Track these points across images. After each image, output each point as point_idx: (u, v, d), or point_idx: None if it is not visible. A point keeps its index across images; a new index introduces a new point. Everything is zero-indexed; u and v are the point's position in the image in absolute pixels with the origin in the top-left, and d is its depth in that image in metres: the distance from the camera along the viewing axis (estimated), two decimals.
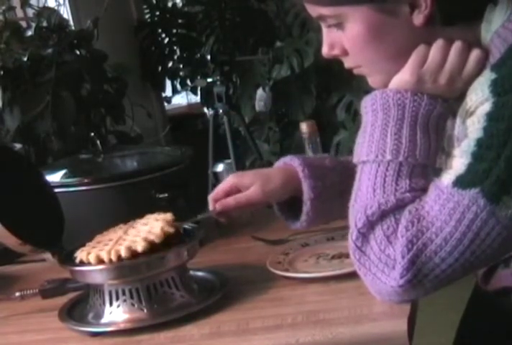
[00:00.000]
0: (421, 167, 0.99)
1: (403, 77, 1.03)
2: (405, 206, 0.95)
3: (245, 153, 3.37)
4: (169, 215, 1.24)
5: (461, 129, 1.00)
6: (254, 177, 1.26)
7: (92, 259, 1.15)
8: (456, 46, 1.02)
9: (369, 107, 1.05)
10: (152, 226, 1.21)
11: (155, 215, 1.25)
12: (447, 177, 0.95)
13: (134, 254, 1.14)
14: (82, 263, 1.17)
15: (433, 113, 1.01)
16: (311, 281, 1.22)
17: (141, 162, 1.71)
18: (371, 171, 1.00)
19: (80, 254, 1.18)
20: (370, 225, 0.96)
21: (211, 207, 1.27)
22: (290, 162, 1.27)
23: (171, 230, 1.19)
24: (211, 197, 1.27)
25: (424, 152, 1.00)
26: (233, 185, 1.26)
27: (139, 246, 1.15)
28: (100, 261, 1.15)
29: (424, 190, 0.97)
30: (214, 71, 2.99)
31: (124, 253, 1.14)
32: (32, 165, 1.49)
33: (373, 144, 1.04)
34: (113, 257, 1.14)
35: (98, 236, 1.25)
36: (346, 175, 1.20)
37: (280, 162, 1.30)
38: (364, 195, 0.99)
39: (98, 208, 1.50)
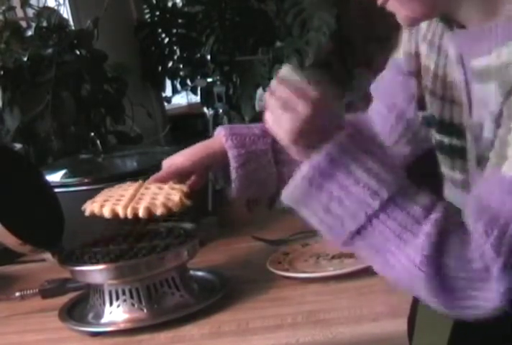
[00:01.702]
0: (406, 187, 0.91)
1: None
2: (446, 223, 0.88)
3: None
4: (184, 187, 1.22)
5: (508, 105, 0.92)
6: (182, 153, 1.29)
7: (107, 212, 1.14)
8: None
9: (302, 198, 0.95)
10: (168, 193, 1.19)
11: (170, 184, 1.23)
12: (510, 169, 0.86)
13: (150, 216, 1.14)
14: (95, 216, 1.15)
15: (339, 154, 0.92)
16: (311, 281, 1.22)
17: (141, 162, 1.72)
18: (378, 228, 0.90)
19: (91, 206, 1.16)
20: (435, 253, 0.87)
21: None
22: (218, 133, 1.30)
23: (188, 203, 1.18)
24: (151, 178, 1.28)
25: (392, 175, 0.91)
26: (168, 165, 1.29)
27: (159, 210, 1.14)
28: (114, 215, 1.14)
29: (438, 200, 0.91)
30: (214, 71, 2.99)
31: (141, 213, 1.13)
32: (32, 165, 1.49)
33: (346, 212, 0.91)
34: (129, 214, 1.13)
35: (106, 191, 1.23)
36: (279, 145, 1.08)
37: (214, 134, 1.33)
38: (400, 248, 0.89)
39: None
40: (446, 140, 1.15)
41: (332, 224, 0.92)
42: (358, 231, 0.91)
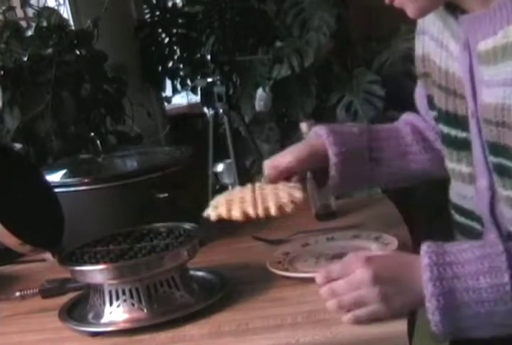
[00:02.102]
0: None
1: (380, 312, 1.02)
2: None
3: (245, 153, 3.36)
4: (297, 184, 1.28)
5: None
6: (285, 153, 1.35)
7: (237, 213, 1.16)
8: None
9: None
10: (288, 191, 1.23)
11: (282, 183, 1.28)
12: None
13: (282, 214, 1.17)
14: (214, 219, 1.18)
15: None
16: (311, 281, 1.22)
17: (141, 162, 1.72)
18: None
19: (217, 211, 1.18)
20: None
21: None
22: (318, 131, 1.35)
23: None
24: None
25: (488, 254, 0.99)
26: (272, 166, 1.34)
27: (288, 208, 1.17)
28: (245, 216, 1.16)
29: None
30: (214, 71, 2.98)
31: (274, 211, 1.16)
32: (32, 165, 1.48)
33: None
34: (262, 214, 1.15)
35: (219, 197, 1.27)
36: (375, 140, 1.32)
37: (312, 133, 1.39)
38: None
39: (98, 208, 1.50)
40: (452, 132, 1.17)
41: (497, 319, 0.97)
42: None
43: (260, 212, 1.16)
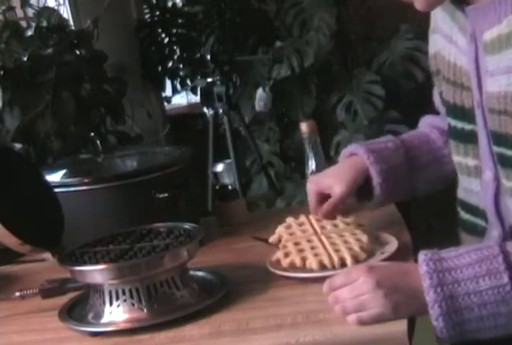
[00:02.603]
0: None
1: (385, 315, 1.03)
2: None
3: (245, 153, 3.37)
4: (363, 225, 1.34)
5: None
6: (332, 178, 1.36)
7: (314, 265, 1.22)
8: None
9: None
10: (355, 236, 1.29)
11: (341, 220, 1.34)
12: None
13: (356, 263, 1.22)
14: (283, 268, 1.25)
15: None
16: (311, 281, 1.22)
17: (141, 162, 1.72)
18: None
19: (290, 258, 1.24)
20: None
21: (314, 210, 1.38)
22: (355, 150, 1.38)
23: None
24: (313, 211, 1.38)
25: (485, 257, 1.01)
26: (318, 192, 1.36)
27: (362, 256, 1.23)
28: (322, 266, 1.22)
29: None
30: (214, 71, 2.99)
31: (349, 263, 1.21)
32: (32, 165, 1.48)
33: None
34: (337, 265, 1.21)
35: (284, 234, 1.34)
36: (410, 150, 1.36)
37: (347, 152, 1.41)
38: None
39: (98, 208, 1.50)
40: (459, 125, 1.19)
41: (501, 320, 0.98)
42: None
43: (336, 263, 1.22)
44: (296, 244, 1.29)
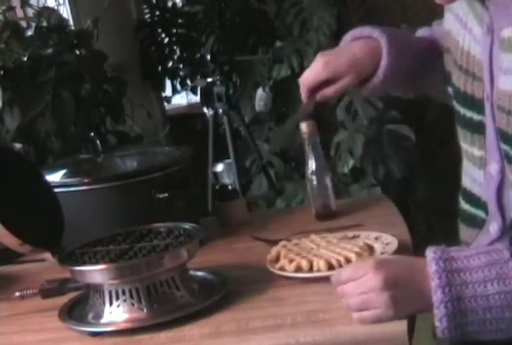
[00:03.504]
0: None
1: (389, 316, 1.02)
2: None
3: (245, 153, 3.37)
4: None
5: None
6: (348, 66, 1.28)
7: (322, 265, 1.23)
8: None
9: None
10: (353, 244, 1.31)
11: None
12: None
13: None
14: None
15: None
16: (311, 281, 1.22)
17: (141, 162, 1.71)
18: None
19: (296, 262, 1.25)
20: None
21: (305, 96, 1.35)
22: (370, 33, 1.28)
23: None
24: (306, 86, 1.33)
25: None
26: (329, 74, 1.29)
27: (365, 254, 1.25)
28: (330, 266, 1.23)
29: None
30: (214, 71, 2.99)
31: (354, 260, 1.22)
32: (32, 165, 1.48)
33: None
34: (343, 262, 1.23)
35: (280, 250, 1.33)
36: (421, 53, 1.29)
37: (357, 32, 1.31)
38: None
39: (98, 208, 1.50)
40: (468, 114, 1.18)
41: (503, 325, 0.98)
42: None
43: (343, 263, 1.23)
44: (297, 254, 1.29)
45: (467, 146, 1.20)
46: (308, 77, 1.34)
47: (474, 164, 1.19)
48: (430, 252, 1.01)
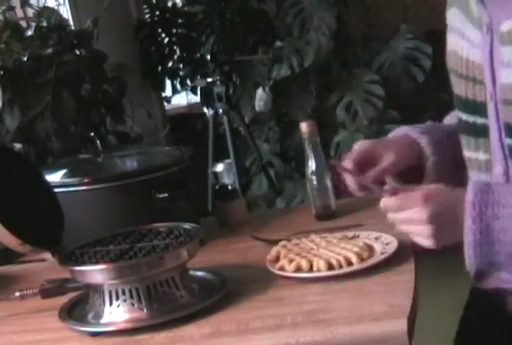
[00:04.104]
0: None
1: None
2: None
3: (245, 153, 3.37)
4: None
5: None
6: (382, 147, 1.33)
7: (322, 265, 1.23)
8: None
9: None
10: (353, 244, 1.30)
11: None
12: None
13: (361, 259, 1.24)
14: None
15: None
16: (311, 281, 1.22)
17: (141, 162, 1.71)
18: None
19: (296, 262, 1.24)
20: None
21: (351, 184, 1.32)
22: (407, 132, 1.35)
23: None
24: (347, 165, 1.30)
25: None
26: (363, 156, 1.31)
27: (365, 255, 1.24)
28: (330, 266, 1.23)
29: None
30: (214, 71, 2.99)
31: (354, 260, 1.23)
32: (32, 165, 1.48)
33: None
34: (343, 262, 1.23)
35: (280, 250, 1.32)
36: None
37: (397, 133, 1.38)
38: None
39: (98, 208, 1.50)
40: (470, 119, 1.20)
41: None
42: None
43: (343, 263, 1.23)
44: (297, 254, 1.30)
45: (472, 152, 1.21)
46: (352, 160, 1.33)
47: (480, 169, 1.20)
48: (471, 183, 1.08)
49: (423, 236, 1.09)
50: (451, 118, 1.42)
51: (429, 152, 1.32)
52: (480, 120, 1.17)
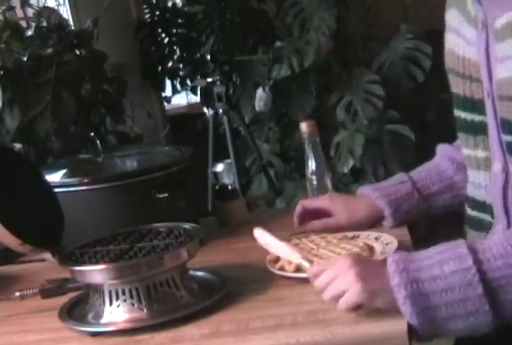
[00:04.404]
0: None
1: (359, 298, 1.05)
2: None
3: (245, 153, 3.37)
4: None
5: None
6: (344, 206, 1.42)
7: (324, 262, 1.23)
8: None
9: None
10: (353, 244, 1.32)
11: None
12: None
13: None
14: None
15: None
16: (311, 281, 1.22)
17: (141, 162, 1.71)
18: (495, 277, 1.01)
19: (297, 262, 1.24)
20: None
21: (295, 222, 1.46)
22: (363, 191, 1.43)
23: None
24: (298, 212, 1.45)
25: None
26: (322, 207, 1.44)
27: (364, 254, 1.25)
28: None
29: None
30: (214, 71, 2.99)
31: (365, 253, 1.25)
32: (32, 165, 1.48)
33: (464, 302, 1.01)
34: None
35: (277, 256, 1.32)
36: (419, 183, 1.40)
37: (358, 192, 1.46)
38: None
39: (98, 208, 1.50)
40: (468, 117, 1.21)
41: (470, 306, 0.98)
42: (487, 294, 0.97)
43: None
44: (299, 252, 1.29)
45: (470, 150, 1.22)
46: (306, 206, 1.46)
47: (478, 167, 1.21)
48: (390, 257, 1.05)
49: (348, 285, 1.05)
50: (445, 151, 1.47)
51: (384, 203, 1.39)
52: (478, 118, 1.18)
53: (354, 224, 1.40)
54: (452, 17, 1.24)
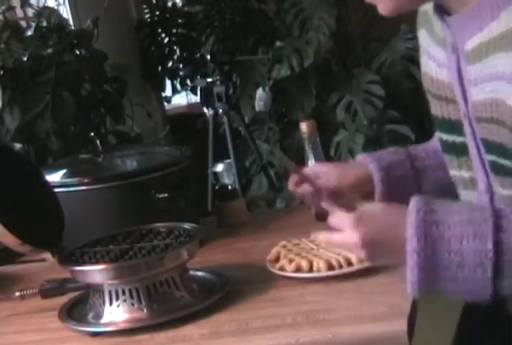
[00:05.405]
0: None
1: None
2: None
3: (245, 153, 3.37)
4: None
5: None
6: (334, 170, 1.38)
7: (322, 265, 1.24)
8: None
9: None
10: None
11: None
12: None
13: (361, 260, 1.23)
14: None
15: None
16: (311, 281, 1.22)
17: (141, 162, 1.72)
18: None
19: (296, 262, 1.25)
20: None
21: (290, 186, 1.37)
22: (363, 159, 1.39)
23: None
24: (294, 180, 1.36)
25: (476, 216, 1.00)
26: (315, 171, 1.37)
27: (354, 259, 1.24)
28: (330, 267, 1.24)
29: None
30: (214, 71, 2.99)
31: (354, 260, 1.23)
32: (32, 165, 1.48)
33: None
34: (343, 262, 1.24)
35: (280, 250, 1.33)
36: (413, 154, 1.37)
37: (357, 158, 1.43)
38: None
39: (98, 208, 1.50)
40: (449, 139, 1.19)
41: (473, 285, 0.96)
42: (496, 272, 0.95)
43: (343, 263, 1.23)
44: (297, 254, 1.30)
45: (455, 171, 1.21)
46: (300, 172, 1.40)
47: (466, 187, 1.20)
48: (413, 201, 1.00)
49: (358, 255, 1.04)
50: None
51: (374, 168, 1.35)
52: (458, 139, 1.17)
53: (344, 187, 1.36)
54: (422, 38, 1.22)
